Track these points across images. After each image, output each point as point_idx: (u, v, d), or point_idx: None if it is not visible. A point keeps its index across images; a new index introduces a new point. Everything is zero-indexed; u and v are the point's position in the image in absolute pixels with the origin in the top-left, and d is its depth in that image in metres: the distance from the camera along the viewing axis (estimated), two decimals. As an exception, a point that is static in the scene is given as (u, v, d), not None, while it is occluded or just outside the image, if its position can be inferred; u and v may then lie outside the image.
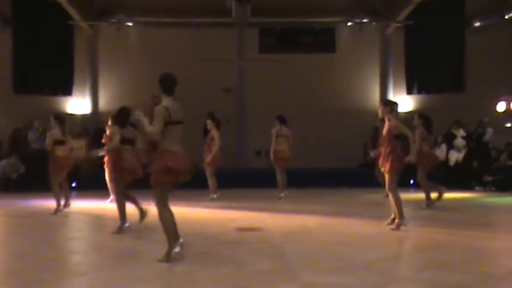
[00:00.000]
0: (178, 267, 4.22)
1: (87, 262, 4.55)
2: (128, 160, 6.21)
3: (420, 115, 8.82)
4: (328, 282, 3.74)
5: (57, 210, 7.84)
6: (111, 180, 6.77)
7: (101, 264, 4.36)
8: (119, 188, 6.22)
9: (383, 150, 6.36)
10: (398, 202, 6.18)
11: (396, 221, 6.18)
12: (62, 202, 7.99)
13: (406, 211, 6.50)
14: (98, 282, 3.80)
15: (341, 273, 3.99)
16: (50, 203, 9.59)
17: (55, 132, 7.73)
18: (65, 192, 8.11)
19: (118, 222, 6.06)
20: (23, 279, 3.90)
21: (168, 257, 4.37)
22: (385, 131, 6.36)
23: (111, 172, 6.69)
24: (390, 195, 6.25)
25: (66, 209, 7.99)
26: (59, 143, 7.68)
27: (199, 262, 4.45)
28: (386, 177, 6.27)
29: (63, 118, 8.06)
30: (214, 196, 9.59)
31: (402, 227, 6.07)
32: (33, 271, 4.11)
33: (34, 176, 12.78)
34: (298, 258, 4.60)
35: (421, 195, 9.49)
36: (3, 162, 12.71)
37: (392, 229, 6.10)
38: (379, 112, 6.45)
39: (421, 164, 8.38)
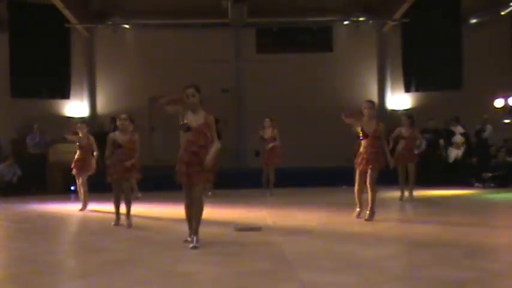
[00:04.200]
0: (177, 269, 4.22)
1: (87, 265, 4.54)
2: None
3: (409, 115, 9.47)
4: (328, 281, 3.73)
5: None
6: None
7: (101, 267, 4.35)
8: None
9: (369, 148, 6.55)
10: (375, 197, 6.77)
11: (368, 212, 6.71)
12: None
13: (408, 208, 6.66)
14: (98, 285, 3.79)
15: (341, 272, 3.99)
16: (48, 207, 9.60)
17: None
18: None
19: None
20: (22, 283, 3.89)
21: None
22: (372, 130, 6.56)
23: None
24: (372, 191, 6.70)
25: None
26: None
27: (198, 263, 4.45)
28: (370, 173, 6.66)
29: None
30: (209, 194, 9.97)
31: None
32: (33, 275, 4.10)
33: (32, 179, 12.77)
34: (298, 257, 4.60)
35: (422, 193, 9.50)
36: (1, 165, 12.70)
37: (367, 220, 6.61)
38: (369, 112, 6.64)
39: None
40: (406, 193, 9.35)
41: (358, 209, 6.94)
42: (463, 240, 5.25)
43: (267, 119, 10.59)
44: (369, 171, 6.67)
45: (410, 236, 5.76)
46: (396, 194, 9.57)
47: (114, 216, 6.90)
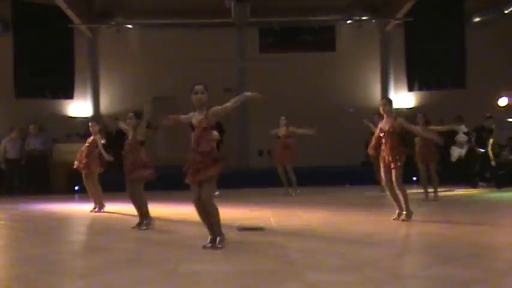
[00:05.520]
0: (182, 269, 4.23)
1: (91, 265, 4.55)
2: None
3: (424, 114, 9.32)
4: (332, 280, 3.73)
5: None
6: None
7: (105, 266, 4.36)
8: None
9: (385, 146, 6.49)
10: (406, 196, 6.55)
11: (404, 212, 6.55)
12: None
13: (412, 207, 6.63)
14: (101, 285, 3.80)
15: (345, 272, 3.99)
16: (52, 207, 9.63)
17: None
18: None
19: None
20: (27, 283, 3.91)
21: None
22: (388, 127, 6.48)
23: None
24: (399, 190, 6.51)
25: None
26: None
27: (201, 262, 4.45)
28: (393, 173, 6.48)
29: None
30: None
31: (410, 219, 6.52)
32: (37, 275, 4.12)
33: (34, 179, 12.80)
34: (302, 257, 4.59)
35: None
36: (5, 140, 12.63)
37: (403, 220, 6.49)
38: (385, 109, 6.56)
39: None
40: (431, 193, 9.21)
41: (398, 210, 6.68)
42: (467, 240, 5.24)
43: (283, 117, 10.63)
44: (393, 171, 6.49)
45: (414, 235, 5.75)
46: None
47: (117, 216, 6.88)
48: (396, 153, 6.46)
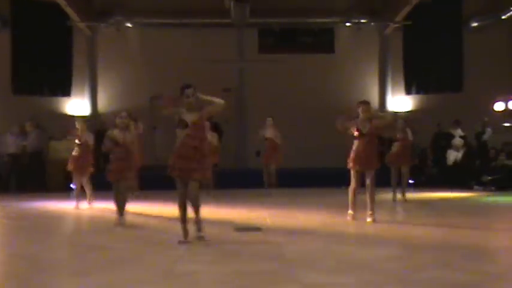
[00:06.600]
0: (179, 269, 4.24)
1: (88, 264, 4.55)
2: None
3: (405, 118, 9.54)
4: (328, 282, 3.75)
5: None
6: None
7: (102, 265, 4.36)
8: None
9: (366, 147, 6.62)
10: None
11: (371, 213, 6.66)
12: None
13: (408, 210, 6.66)
14: (97, 283, 3.80)
15: (341, 273, 4.01)
16: (48, 205, 9.61)
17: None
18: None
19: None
20: (23, 281, 3.91)
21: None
22: (366, 129, 6.65)
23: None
24: (372, 191, 6.68)
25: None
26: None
27: (198, 262, 4.46)
28: (370, 173, 6.64)
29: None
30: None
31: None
32: (34, 273, 4.12)
33: (29, 177, 12.78)
34: (298, 258, 4.61)
35: (422, 195, 9.52)
36: (7, 135, 12.65)
37: (371, 222, 6.59)
38: (365, 115, 6.59)
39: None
40: (399, 195, 9.33)
41: (352, 212, 6.85)
42: (463, 243, 5.27)
43: (269, 118, 10.67)
44: (368, 171, 6.62)
45: (410, 238, 5.78)
46: (388, 195, 9.52)
47: (114, 215, 6.86)
48: (375, 155, 6.67)
